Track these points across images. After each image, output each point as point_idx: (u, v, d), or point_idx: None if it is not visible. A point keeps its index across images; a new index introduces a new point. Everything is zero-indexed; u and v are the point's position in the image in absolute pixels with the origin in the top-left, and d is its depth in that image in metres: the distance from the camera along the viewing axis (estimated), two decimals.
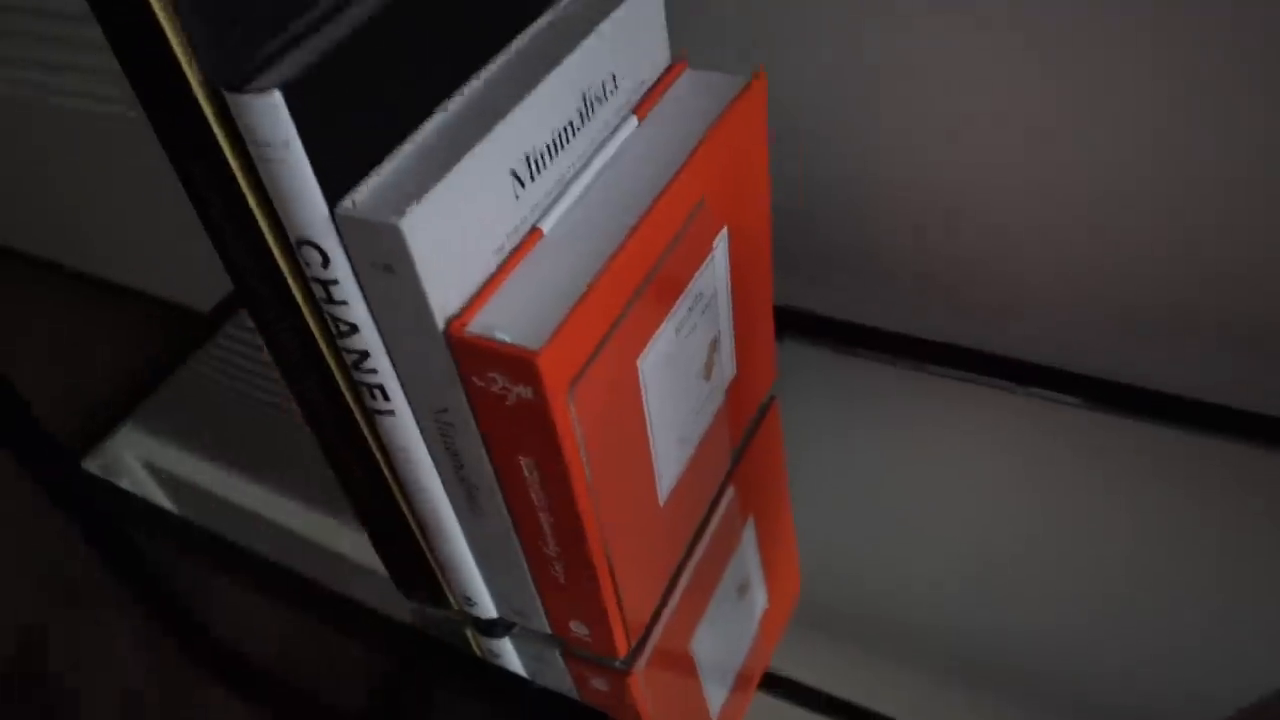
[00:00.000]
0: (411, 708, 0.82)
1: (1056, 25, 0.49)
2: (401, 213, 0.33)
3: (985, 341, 0.62)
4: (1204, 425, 0.54)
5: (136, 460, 0.65)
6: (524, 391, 0.35)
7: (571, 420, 0.36)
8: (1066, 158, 0.53)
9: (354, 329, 0.37)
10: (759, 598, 0.51)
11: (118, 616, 0.91)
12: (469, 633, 0.51)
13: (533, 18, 0.41)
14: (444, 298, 0.35)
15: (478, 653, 0.50)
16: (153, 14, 0.30)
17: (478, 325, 0.35)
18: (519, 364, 0.34)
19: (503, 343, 0.34)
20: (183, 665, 0.86)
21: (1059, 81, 0.51)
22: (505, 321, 0.35)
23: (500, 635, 0.51)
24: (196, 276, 1.11)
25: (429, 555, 0.47)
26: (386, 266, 0.34)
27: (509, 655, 0.50)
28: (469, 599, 0.49)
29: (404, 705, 0.83)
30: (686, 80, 0.46)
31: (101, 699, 0.85)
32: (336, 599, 0.54)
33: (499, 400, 0.36)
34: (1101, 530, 0.50)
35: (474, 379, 0.36)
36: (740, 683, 0.48)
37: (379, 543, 0.49)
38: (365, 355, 0.38)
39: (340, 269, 0.35)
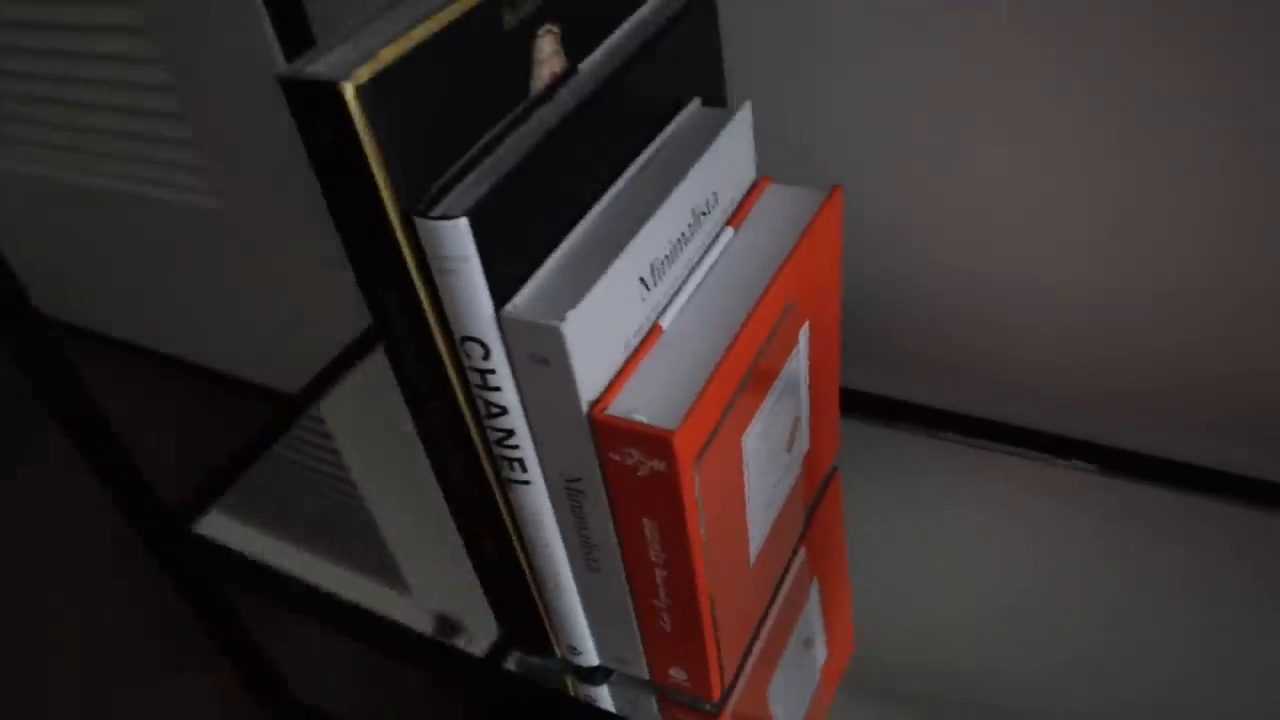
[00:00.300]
0: None
1: (1082, 151, 0.56)
2: (562, 317, 0.39)
3: (1019, 416, 0.68)
4: (1217, 490, 0.60)
5: (238, 527, 0.72)
6: (657, 465, 0.41)
7: (696, 489, 0.42)
8: (1095, 267, 0.60)
9: (503, 411, 0.43)
10: (820, 652, 0.57)
11: (207, 671, 0.97)
12: (568, 680, 0.57)
13: (648, 142, 0.48)
14: (588, 385, 0.41)
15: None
16: (363, 153, 0.37)
17: (617, 408, 0.42)
18: (657, 442, 0.40)
19: (642, 423, 0.40)
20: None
21: (1092, 198, 0.58)
22: (640, 405, 0.42)
23: (600, 682, 0.56)
24: (286, 361, 1.19)
25: (541, 608, 0.53)
26: (543, 360, 0.41)
27: (605, 701, 0.56)
28: (574, 648, 0.55)
29: None
30: (771, 194, 0.53)
31: None
32: (441, 648, 0.60)
33: (631, 472, 0.42)
34: (1128, 587, 0.56)
35: (611, 454, 0.42)
36: None
37: (495, 598, 0.55)
38: (510, 433, 0.44)
39: (498, 360, 0.42)
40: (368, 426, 0.78)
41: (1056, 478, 0.63)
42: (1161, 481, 0.61)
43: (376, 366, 0.84)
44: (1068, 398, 0.68)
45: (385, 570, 0.66)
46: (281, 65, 0.87)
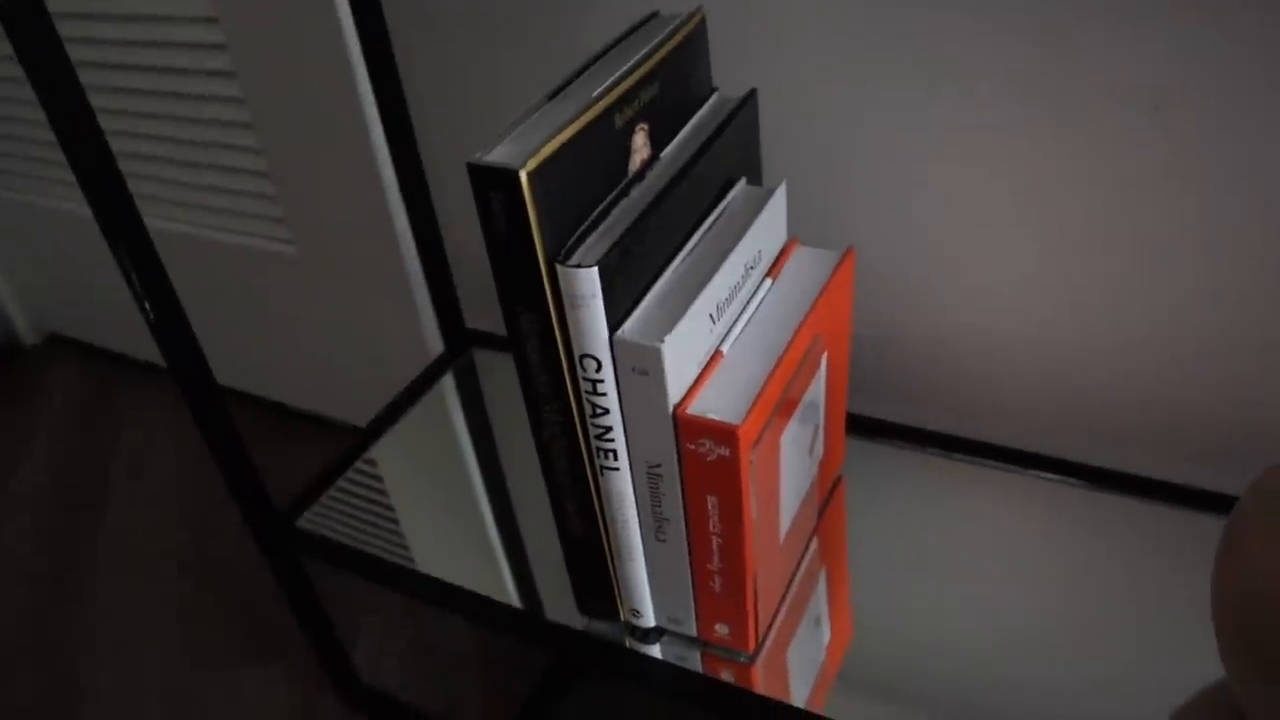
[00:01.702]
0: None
1: (1065, 219, 0.72)
2: (662, 340, 0.54)
3: (989, 434, 0.84)
4: (1166, 498, 0.75)
5: (332, 526, 0.85)
6: (723, 451, 0.56)
7: (751, 471, 0.57)
8: (1058, 314, 0.76)
9: (606, 411, 0.58)
10: (826, 631, 0.71)
11: (279, 659, 1.09)
12: (626, 641, 0.71)
13: (710, 212, 0.64)
14: (674, 391, 0.56)
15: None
16: (527, 217, 0.52)
17: (695, 408, 0.56)
18: (725, 433, 0.55)
19: (715, 419, 0.55)
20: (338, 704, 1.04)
21: (1073, 257, 0.74)
22: (711, 408, 0.56)
23: (654, 641, 0.70)
24: (354, 398, 1.32)
25: (614, 577, 0.67)
26: (643, 371, 0.55)
27: (659, 657, 0.70)
28: (636, 611, 0.68)
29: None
30: (799, 253, 0.68)
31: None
32: (515, 613, 0.74)
33: (702, 458, 0.57)
34: (1096, 586, 0.71)
35: (688, 444, 0.57)
36: (813, 692, 0.67)
37: (576, 571, 0.69)
38: (609, 429, 0.59)
39: (607, 372, 0.56)
40: (432, 451, 0.92)
41: (1018, 484, 0.77)
42: (1109, 489, 0.76)
43: (435, 401, 0.98)
44: (1029, 419, 0.83)
45: (462, 558, 0.80)
46: (368, 135, 1.02)
